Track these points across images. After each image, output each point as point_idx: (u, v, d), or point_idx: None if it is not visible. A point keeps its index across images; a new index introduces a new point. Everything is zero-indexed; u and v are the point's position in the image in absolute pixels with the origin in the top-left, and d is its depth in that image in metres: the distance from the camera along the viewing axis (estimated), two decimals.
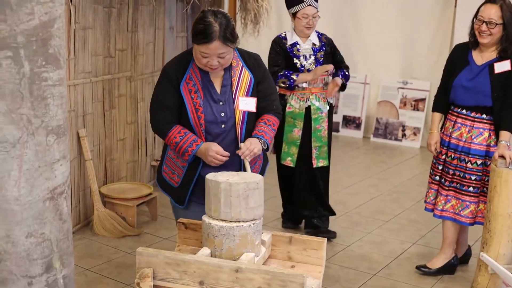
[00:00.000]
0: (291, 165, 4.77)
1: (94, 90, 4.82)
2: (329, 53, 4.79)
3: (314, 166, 4.78)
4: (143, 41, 5.45)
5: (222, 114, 3.07)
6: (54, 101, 2.21)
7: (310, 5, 4.63)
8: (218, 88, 3.09)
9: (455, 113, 4.08)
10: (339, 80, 4.73)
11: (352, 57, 8.70)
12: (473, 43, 4.02)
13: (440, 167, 4.14)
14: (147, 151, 5.74)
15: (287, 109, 4.69)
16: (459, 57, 4.09)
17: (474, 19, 3.96)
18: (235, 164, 3.11)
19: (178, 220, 2.89)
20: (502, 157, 3.76)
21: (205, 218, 2.61)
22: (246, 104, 3.10)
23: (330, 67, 4.63)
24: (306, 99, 4.72)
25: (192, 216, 3.07)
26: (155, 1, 5.33)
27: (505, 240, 3.77)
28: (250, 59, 3.18)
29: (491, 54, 3.98)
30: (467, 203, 4.03)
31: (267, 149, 3.15)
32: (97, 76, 4.83)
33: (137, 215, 4.86)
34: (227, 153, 3.01)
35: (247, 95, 3.11)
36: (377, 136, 8.46)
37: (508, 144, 3.88)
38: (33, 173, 2.18)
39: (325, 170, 4.86)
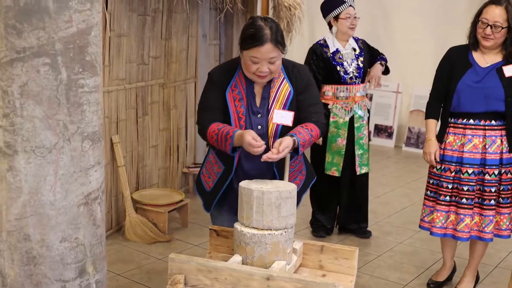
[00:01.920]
0: (337, 175, 4.82)
1: (128, 97, 4.87)
2: (367, 57, 4.82)
3: (358, 173, 4.87)
4: (176, 48, 5.50)
5: (259, 127, 3.00)
6: (90, 108, 2.25)
7: (351, 5, 4.72)
8: (258, 100, 3.03)
9: (461, 125, 3.82)
10: (378, 69, 4.83)
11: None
12: (473, 44, 3.80)
13: (432, 181, 3.95)
14: (178, 158, 5.77)
15: (331, 119, 4.71)
16: (458, 59, 3.83)
17: (477, 20, 3.74)
18: (268, 174, 3.05)
19: (210, 227, 2.89)
20: None
21: (237, 225, 2.62)
22: (282, 117, 2.99)
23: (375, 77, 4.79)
24: (350, 108, 4.73)
25: (219, 223, 3.13)
26: (189, 9, 5.38)
27: None
28: (293, 71, 3.08)
29: (496, 56, 3.78)
30: (491, 217, 3.82)
31: (297, 151, 2.90)
32: (131, 83, 4.88)
33: (168, 221, 4.89)
34: (262, 142, 2.80)
35: (284, 108, 3.01)
36: (409, 145, 8.40)
37: None
38: (68, 178, 2.22)
39: (366, 176, 4.99)
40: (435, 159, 3.89)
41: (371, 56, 4.88)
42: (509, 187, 3.83)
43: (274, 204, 2.53)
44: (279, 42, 2.87)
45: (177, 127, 5.69)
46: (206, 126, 2.99)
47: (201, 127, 3.05)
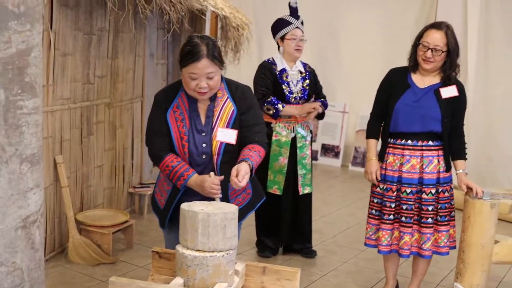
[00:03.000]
0: (278, 193, 4.84)
1: (72, 116, 4.81)
2: (313, 83, 4.89)
3: (300, 193, 4.89)
4: (123, 68, 5.47)
5: (204, 145, 3.07)
6: (29, 130, 2.22)
7: (297, 27, 4.78)
8: (203, 119, 3.10)
9: (399, 146, 3.91)
10: (318, 106, 4.82)
11: (331, 85, 8.81)
12: (413, 66, 3.91)
13: (376, 201, 4.02)
14: (124, 178, 5.72)
15: (273, 137, 4.75)
16: (397, 80, 3.93)
17: (418, 43, 3.85)
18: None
19: (152, 249, 2.88)
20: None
21: (179, 247, 2.60)
22: (225, 135, 3.07)
23: (317, 107, 4.74)
24: (293, 128, 4.78)
25: (172, 239, 3.20)
26: (136, 28, 5.37)
27: (478, 270, 3.80)
28: (237, 91, 3.16)
29: (434, 78, 3.89)
30: (428, 235, 3.91)
31: (252, 174, 3.02)
32: (76, 103, 4.82)
33: (113, 242, 4.82)
34: (218, 182, 2.97)
35: (227, 127, 3.09)
36: (355, 165, 8.51)
37: (466, 172, 3.92)
38: (5, 201, 2.17)
39: (309, 197, 4.99)
40: (376, 178, 3.97)
41: (315, 83, 4.95)
42: (446, 205, 3.93)
43: (219, 226, 2.53)
44: (216, 58, 2.97)
45: (123, 147, 5.64)
46: (159, 155, 3.09)
47: (153, 155, 3.15)
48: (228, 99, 3.12)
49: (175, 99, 3.09)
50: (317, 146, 8.76)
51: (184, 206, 2.63)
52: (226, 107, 3.10)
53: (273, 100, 4.68)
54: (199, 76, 2.95)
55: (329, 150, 8.81)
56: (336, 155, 8.77)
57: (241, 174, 2.88)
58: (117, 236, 5.00)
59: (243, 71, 8.16)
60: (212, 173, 2.97)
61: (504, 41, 7.38)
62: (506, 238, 4.14)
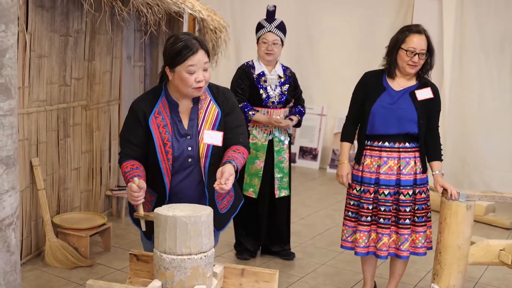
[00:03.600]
0: (253, 196, 4.84)
1: (49, 118, 4.77)
2: (292, 87, 4.89)
3: (277, 196, 4.89)
4: (99, 70, 5.44)
5: (189, 148, 3.02)
6: (4, 131, 2.19)
7: (270, 31, 4.78)
8: (185, 123, 3.05)
9: (376, 148, 3.93)
10: (293, 120, 4.87)
11: (309, 88, 8.85)
12: (390, 73, 3.92)
13: (352, 203, 4.02)
14: (101, 180, 5.68)
15: (250, 140, 4.74)
16: (372, 83, 3.96)
17: (398, 49, 3.84)
18: (202, 200, 3.07)
19: (130, 252, 2.86)
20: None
21: (156, 250, 2.59)
22: (211, 137, 3.04)
23: (287, 125, 4.77)
24: (270, 131, 4.79)
25: None
26: (113, 30, 5.34)
27: (455, 271, 3.84)
28: (219, 93, 3.15)
29: (409, 81, 3.92)
30: (406, 236, 3.93)
31: (237, 175, 2.98)
32: (52, 105, 4.78)
33: (90, 245, 4.79)
34: (136, 188, 2.84)
35: (213, 129, 3.06)
36: (333, 167, 8.54)
37: (442, 173, 3.96)
38: None
39: (286, 199, 4.99)
40: (348, 181, 4.03)
41: (295, 89, 4.96)
42: (423, 206, 3.96)
43: (197, 229, 2.52)
44: (207, 51, 3.00)
45: (100, 150, 5.61)
46: (121, 161, 3.06)
47: (119, 160, 3.12)
48: (212, 101, 3.10)
49: (156, 105, 3.04)
50: (295, 149, 8.79)
51: (160, 210, 2.62)
52: (211, 110, 3.08)
53: (245, 107, 4.69)
54: (197, 68, 2.93)
55: (307, 152, 8.84)
56: (314, 157, 8.79)
57: (225, 176, 2.84)
58: (95, 239, 4.96)
59: (221, 74, 8.17)
60: (136, 178, 2.85)
61: (479, 46, 7.48)
62: (482, 239, 4.20)
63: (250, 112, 4.70)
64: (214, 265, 2.69)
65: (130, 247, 4.87)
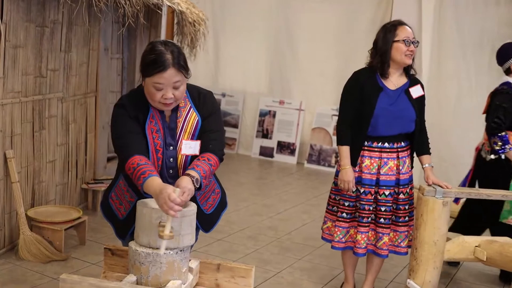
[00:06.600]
0: None
1: (24, 110, 4.70)
2: None
3: None
4: (76, 61, 5.37)
5: (171, 160, 2.87)
6: None
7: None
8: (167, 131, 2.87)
9: (376, 149, 3.87)
10: None
11: (288, 83, 8.88)
12: (384, 74, 3.85)
13: (347, 204, 3.94)
14: (77, 173, 5.62)
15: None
16: (367, 83, 3.84)
17: (394, 43, 3.77)
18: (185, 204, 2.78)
19: (105, 246, 2.83)
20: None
21: (131, 244, 2.56)
22: (191, 147, 2.86)
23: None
24: None
25: None
26: (90, 21, 5.27)
27: (431, 267, 3.86)
28: (200, 98, 2.95)
29: (401, 79, 3.89)
30: (406, 233, 3.96)
31: (199, 187, 2.70)
32: (27, 96, 4.71)
33: (65, 239, 4.73)
34: (179, 201, 2.49)
35: (192, 139, 2.89)
36: (311, 162, 8.55)
37: (432, 166, 3.97)
38: None
39: None
40: (353, 187, 3.88)
41: None
42: (406, 206, 3.97)
43: (175, 223, 2.50)
44: (182, 66, 2.74)
45: (76, 142, 5.54)
46: (126, 157, 2.73)
47: (122, 155, 2.78)
48: (192, 109, 2.91)
49: (150, 110, 2.86)
50: (272, 143, 8.78)
51: (140, 203, 2.59)
52: (190, 118, 2.90)
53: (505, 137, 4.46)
54: (165, 86, 2.70)
55: (284, 147, 8.83)
56: (292, 152, 8.79)
57: (178, 191, 2.52)
58: (69, 232, 4.91)
59: (200, 67, 8.13)
60: (178, 189, 2.52)
61: (457, 42, 7.52)
62: (458, 235, 4.22)
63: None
64: (190, 260, 2.67)
65: (106, 241, 4.83)
